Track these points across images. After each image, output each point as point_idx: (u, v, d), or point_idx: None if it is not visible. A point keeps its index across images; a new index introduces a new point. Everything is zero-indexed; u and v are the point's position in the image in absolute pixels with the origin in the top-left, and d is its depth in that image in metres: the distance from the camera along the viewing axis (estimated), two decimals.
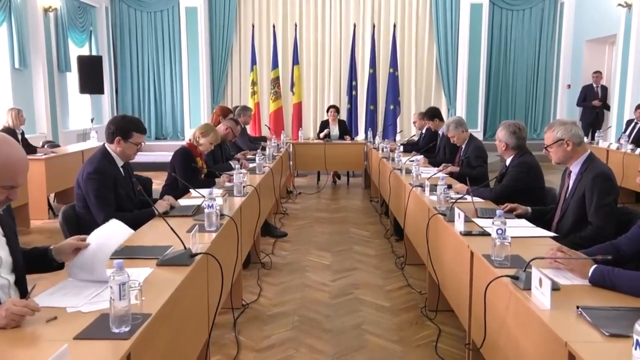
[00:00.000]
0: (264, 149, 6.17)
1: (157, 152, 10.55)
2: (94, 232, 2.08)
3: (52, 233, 5.62)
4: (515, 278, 2.02)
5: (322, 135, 8.24)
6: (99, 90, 10.10)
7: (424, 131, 6.87)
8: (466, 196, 3.58)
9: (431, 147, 6.19)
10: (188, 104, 11.42)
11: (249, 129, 9.21)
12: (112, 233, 2.07)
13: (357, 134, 10.17)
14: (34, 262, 2.05)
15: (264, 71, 11.50)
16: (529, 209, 3.22)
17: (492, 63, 11.69)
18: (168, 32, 11.58)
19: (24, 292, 1.95)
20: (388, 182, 5.42)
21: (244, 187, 3.84)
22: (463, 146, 5.10)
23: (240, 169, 3.90)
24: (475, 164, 4.86)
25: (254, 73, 10.17)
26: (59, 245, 2.07)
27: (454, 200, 3.25)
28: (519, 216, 3.15)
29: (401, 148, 6.22)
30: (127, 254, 2.32)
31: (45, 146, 7.18)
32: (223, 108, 6.35)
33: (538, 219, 3.09)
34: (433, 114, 6.49)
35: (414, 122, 7.34)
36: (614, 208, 2.77)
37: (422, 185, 4.06)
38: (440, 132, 6.67)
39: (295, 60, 10.07)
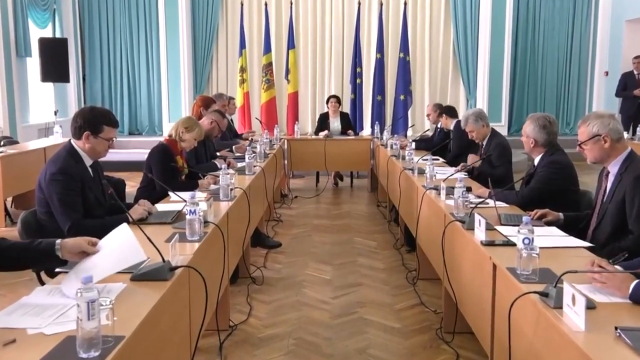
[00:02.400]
0: (251, 143, 6.18)
1: (131, 149, 10.55)
2: (108, 235, 2.14)
3: None
4: (544, 295, 2.03)
5: (322, 134, 8.25)
6: (64, 78, 10.10)
7: (439, 126, 6.89)
8: (488, 200, 3.59)
9: (447, 144, 6.21)
10: (167, 94, 11.43)
11: (236, 123, 9.24)
12: (128, 248, 2.16)
13: (362, 128, 10.18)
14: (36, 256, 2.09)
15: (255, 56, 11.50)
16: (561, 215, 3.22)
17: (517, 47, 11.71)
18: (144, 11, 11.59)
19: None
20: (398, 184, 5.43)
21: (231, 190, 3.85)
22: (484, 143, 5.11)
23: (227, 168, 3.90)
24: (497, 163, 4.88)
25: (243, 58, 10.18)
26: (66, 241, 2.17)
27: (474, 205, 3.26)
28: (549, 223, 3.16)
29: (413, 145, 6.23)
30: None
31: (2, 143, 7.18)
32: (204, 98, 6.35)
33: (571, 227, 3.10)
34: (442, 109, 6.56)
35: (428, 115, 7.35)
36: None
37: (437, 188, 4.07)
38: (452, 127, 6.70)
39: (291, 44, 10.08)
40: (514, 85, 11.82)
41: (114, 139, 3.17)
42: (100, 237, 2.22)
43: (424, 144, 6.82)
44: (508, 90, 11.51)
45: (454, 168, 5.28)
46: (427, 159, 4.61)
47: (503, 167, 4.86)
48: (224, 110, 7.09)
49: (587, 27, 11.70)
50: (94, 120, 3.09)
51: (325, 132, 8.27)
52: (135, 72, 11.86)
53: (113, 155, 6.68)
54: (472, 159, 5.00)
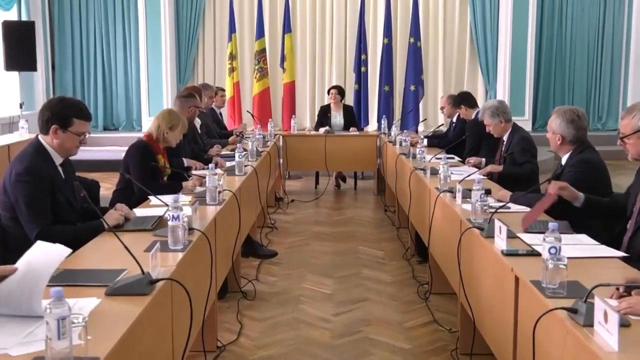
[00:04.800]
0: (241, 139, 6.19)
1: (106, 146, 10.55)
2: (23, 256, 2.08)
3: None
4: (573, 311, 2.03)
5: (322, 130, 8.26)
6: (31, 66, 10.10)
7: (454, 120, 6.89)
8: (510, 205, 3.59)
9: (464, 141, 6.21)
10: (146, 84, 11.44)
11: (225, 117, 9.24)
12: (46, 254, 2.08)
13: (367, 123, 10.19)
14: None
15: (246, 41, 11.51)
16: (582, 195, 3.26)
17: (543, 31, 11.72)
18: None
19: None
20: (408, 187, 5.43)
21: (219, 192, 3.85)
22: (505, 139, 5.12)
23: (215, 168, 3.91)
24: (521, 159, 4.88)
25: (233, 44, 10.19)
26: None
27: (493, 210, 3.26)
28: (565, 207, 3.16)
29: (425, 142, 6.23)
30: (67, 279, 2.32)
31: None
32: (189, 89, 6.32)
33: (592, 213, 3.14)
34: (460, 99, 6.50)
35: (442, 108, 7.36)
36: None
37: (452, 191, 4.07)
38: (454, 118, 6.69)
39: (287, 28, 10.09)
40: (539, 74, 11.83)
41: (87, 134, 3.17)
42: (71, 246, 2.22)
43: (437, 141, 6.82)
44: (532, 80, 11.51)
45: (472, 168, 5.29)
46: (440, 158, 4.61)
47: (528, 164, 4.87)
48: (210, 103, 7.10)
49: (621, 8, 11.70)
50: (62, 113, 3.10)
51: (326, 127, 8.27)
52: (111, 59, 11.86)
53: (86, 153, 6.69)
54: (494, 168, 4.98)
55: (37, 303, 1.97)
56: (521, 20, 11.24)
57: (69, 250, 2.13)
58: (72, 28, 11.72)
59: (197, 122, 6.02)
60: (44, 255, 2.08)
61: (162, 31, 11.24)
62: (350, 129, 8.38)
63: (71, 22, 11.70)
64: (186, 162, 5.06)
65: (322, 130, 8.29)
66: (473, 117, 6.17)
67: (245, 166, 5.13)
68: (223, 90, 8.17)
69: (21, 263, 2.06)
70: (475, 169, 4.94)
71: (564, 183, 3.26)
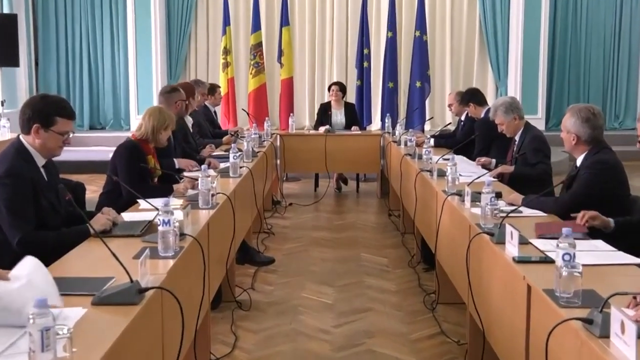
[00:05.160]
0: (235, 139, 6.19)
1: (92, 146, 10.55)
2: (19, 265, 2.11)
3: None
4: (588, 322, 2.03)
5: (322, 129, 8.26)
6: (13, 61, 10.11)
7: (462, 118, 6.90)
8: (522, 209, 3.59)
9: (473, 140, 6.21)
10: (135, 81, 11.43)
11: (220, 115, 9.24)
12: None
13: (370, 121, 10.19)
14: None
15: (241, 35, 11.51)
16: (612, 221, 3.23)
17: (556, 24, 11.73)
18: None
19: None
20: (413, 189, 5.44)
21: (212, 195, 3.85)
22: (517, 138, 5.12)
23: (208, 169, 3.91)
24: (534, 160, 4.89)
25: (227, 38, 10.19)
26: None
27: (504, 214, 3.27)
28: (594, 232, 3.16)
29: (431, 141, 6.23)
30: None
31: None
32: (181, 85, 6.31)
33: (625, 236, 3.10)
34: (468, 96, 6.49)
35: (449, 106, 7.34)
36: None
37: (460, 194, 4.08)
38: (462, 117, 6.68)
39: (285, 20, 10.10)
40: (553, 69, 11.84)
41: (70, 133, 3.17)
42: (55, 252, 2.23)
43: (445, 141, 6.82)
44: (545, 76, 11.51)
45: (477, 166, 5.29)
46: (448, 159, 4.62)
47: (541, 165, 4.87)
48: (203, 100, 7.10)
49: None
50: (44, 111, 3.10)
51: (326, 126, 8.28)
52: (98, 54, 11.87)
53: (70, 153, 6.69)
54: (505, 168, 4.98)
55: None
56: (534, 12, 11.24)
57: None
58: (57, 21, 11.73)
59: (189, 120, 6.03)
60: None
61: (152, 24, 11.25)
62: (352, 128, 8.39)
63: (56, 15, 11.71)
64: (177, 162, 5.06)
65: (322, 129, 8.30)
66: (482, 115, 6.17)
67: (240, 167, 5.13)
68: (219, 87, 8.17)
69: (18, 270, 2.08)
70: (486, 171, 4.94)
71: (594, 212, 3.22)
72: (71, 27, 11.76)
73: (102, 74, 11.90)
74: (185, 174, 4.66)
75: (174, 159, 5.03)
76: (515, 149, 5.13)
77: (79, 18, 11.73)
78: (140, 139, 4.33)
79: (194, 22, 11.68)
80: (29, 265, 2.17)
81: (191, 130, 6.08)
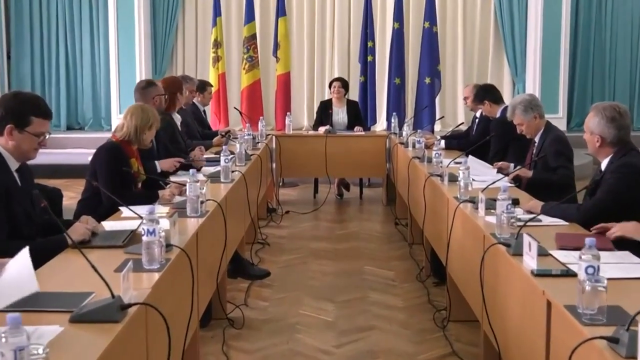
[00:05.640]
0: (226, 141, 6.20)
1: (69, 149, 10.56)
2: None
3: None
4: (613, 341, 2.04)
5: (322, 129, 8.27)
6: None
7: (478, 115, 6.85)
8: (541, 217, 3.59)
9: (488, 142, 6.20)
10: (117, 77, 11.43)
11: (209, 114, 9.25)
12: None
13: (374, 121, 10.20)
14: None
15: (233, 26, 11.53)
16: None
17: (579, 14, 11.75)
18: None
19: None
20: (422, 196, 5.44)
21: (202, 203, 3.86)
22: (536, 139, 5.13)
23: (197, 173, 3.91)
24: (555, 164, 4.89)
25: (218, 29, 10.20)
26: None
27: (522, 224, 3.27)
28: (620, 240, 3.16)
29: (442, 143, 6.22)
30: (25, 304, 2.33)
31: None
32: (170, 81, 6.31)
33: None
34: (483, 92, 6.46)
35: (465, 99, 7.28)
36: None
37: (473, 200, 4.08)
38: (477, 114, 6.67)
39: (281, 10, 10.11)
40: (575, 64, 11.85)
41: (47, 134, 3.18)
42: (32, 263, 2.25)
43: (457, 142, 6.82)
44: (567, 71, 11.52)
45: (492, 168, 5.29)
46: (460, 162, 4.62)
47: (563, 169, 4.87)
48: (192, 98, 7.09)
49: None
50: (18, 110, 3.11)
51: (327, 127, 8.28)
52: (76, 47, 11.89)
53: (46, 156, 6.69)
54: (524, 172, 4.98)
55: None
56: (554, 2, 11.24)
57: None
58: (31, 12, 11.75)
59: (177, 118, 6.04)
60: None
61: (135, 14, 11.25)
62: (355, 129, 8.39)
63: (30, 5, 11.74)
64: (159, 165, 4.99)
65: (322, 129, 8.31)
66: (498, 114, 6.17)
67: (232, 172, 5.13)
68: (211, 85, 8.17)
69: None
70: (502, 176, 4.94)
71: (630, 225, 3.20)
72: (46, 16, 11.77)
73: (81, 68, 11.91)
74: (172, 178, 4.67)
75: (155, 162, 4.97)
76: (534, 151, 5.13)
77: (55, 8, 11.75)
78: (122, 140, 4.33)
79: (181, 12, 11.70)
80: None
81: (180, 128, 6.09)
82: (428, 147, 6.48)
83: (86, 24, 11.76)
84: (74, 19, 11.77)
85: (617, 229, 2.92)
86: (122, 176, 4.17)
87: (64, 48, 11.86)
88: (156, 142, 5.10)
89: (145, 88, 5.37)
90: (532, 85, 11.30)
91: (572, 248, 3.02)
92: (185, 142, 6.12)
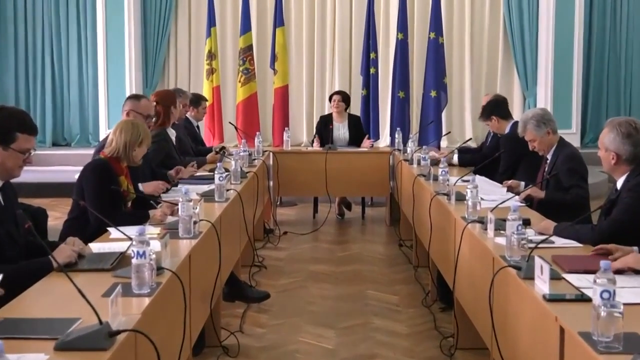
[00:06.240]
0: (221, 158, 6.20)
1: (55, 166, 10.57)
2: None
3: None
4: None
5: (315, 144, 8.28)
6: None
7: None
8: (553, 238, 3.59)
9: (498, 158, 6.19)
10: (105, 91, 11.46)
11: (203, 129, 9.26)
12: None
13: (377, 137, 10.21)
14: None
15: (229, 37, 11.58)
16: (636, 249, 3.23)
17: (592, 25, 11.81)
18: None
19: None
20: (428, 216, 5.44)
21: (195, 223, 3.86)
22: (549, 156, 5.13)
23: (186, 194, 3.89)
24: (568, 183, 4.89)
25: (212, 40, 10.24)
26: None
27: (533, 245, 3.27)
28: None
29: (455, 158, 6.23)
30: (8, 330, 2.32)
31: None
32: (164, 94, 6.30)
33: None
34: (490, 108, 6.43)
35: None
36: None
37: (482, 221, 4.08)
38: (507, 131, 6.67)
39: (279, 20, 10.16)
40: (589, 77, 11.89)
41: (32, 151, 3.19)
42: (12, 288, 2.24)
43: (470, 157, 6.77)
44: (580, 84, 11.57)
45: (502, 188, 5.29)
46: (468, 180, 4.62)
47: (576, 189, 4.87)
48: (185, 112, 7.11)
49: None
50: (2, 126, 3.12)
51: (324, 146, 8.29)
52: (63, 59, 11.93)
53: (31, 174, 6.69)
54: (535, 192, 4.98)
55: None
56: (566, 11, 11.30)
57: None
58: (16, 22, 11.81)
59: (172, 132, 6.05)
60: None
61: (125, 25, 11.30)
62: (365, 142, 8.39)
63: (14, 15, 11.80)
64: (143, 187, 4.88)
65: (316, 145, 8.33)
66: (507, 130, 6.19)
67: (227, 190, 5.14)
68: (205, 100, 8.19)
69: None
70: (512, 195, 4.94)
71: (630, 257, 3.20)
72: (31, 26, 11.83)
73: (67, 81, 11.95)
74: (163, 197, 4.67)
75: (139, 184, 4.86)
76: (547, 169, 5.13)
77: (40, 16, 11.80)
78: (110, 156, 4.33)
79: (173, 22, 11.76)
80: None
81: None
82: (436, 164, 6.42)
83: (73, 34, 11.81)
84: (60, 29, 11.82)
85: (618, 263, 2.96)
86: (110, 195, 4.16)
87: (50, 59, 11.90)
88: (142, 167, 5.02)
89: (126, 101, 5.32)
90: (544, 99, 11.34)
91: (583, 271, 3.03)
92: (181, 158, 6.13)
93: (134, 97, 5.37)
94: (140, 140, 4.36)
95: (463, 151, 7.16)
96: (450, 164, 6.55)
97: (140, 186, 4.88)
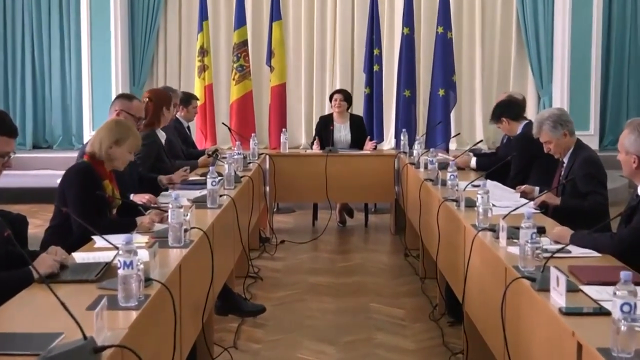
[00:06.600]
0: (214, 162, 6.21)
1: (36, 170, 10.57)
2: None
3: None
4: None
5: (315, 146, 8.29)
6: None
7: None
8: (570, 247, 3.59)
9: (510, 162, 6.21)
10: (90, 90, 11.45)
11: (194, 130, 9.27)
12: None
13: (381, 139, 10.22)
14: None
15: (222, 32, 11.59)
16: None
17: (612, 18, 11.82)
18: None
19: None
20: (436, 223, 5.44)
21: (185, 231, 3.86)
22: (565, 160, 5.14)
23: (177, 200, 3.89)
24: (586, 188, 4.89)
25: (204, 35, 10.24)
26: None
27: (549, 255, 3.27)
28: None
29: (473, 161, 6.26)
30: None
31: None
32: (158, 93, 6.30)
33: None
34: (500, 109, 6.40)
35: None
36: None
37: (494, 229, 4.08)
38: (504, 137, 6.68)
39: (276, 14, 10.16)
40: (608, 75, 11.90)
41: (11, 154, 3.19)
42: None
43: (488, 160, 6.67)
44: (599, 82, 11.57)
45: (515, 193, 5.30)
46: (478, 185, 4.63)
47: (595, 195, 4.87)
48: (175, 112, 7.10)
49: None
50: None
51: (324, 149, 8.30)
52: (44, 56, 11.94)
53: (10, 178, 6.71)
54: (551, 199, 4.97)
55: None
56: (584, 4, 11.30)
57: None
58: None
59: (162, 135, 6.05)
60: None
61: (111, 19, 11.30)
62: (368, 144, 8.40)
63: None
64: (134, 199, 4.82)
65: (315, 147, 8.34)
66: (519, 131, 6.19)
67: (220, 196, 5.15)
68: (196, 98, 8.19)
69: None
70: (526, 201, 4.94)
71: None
72: (11, 22, 11.85)
73: (49, 80, 11.95)
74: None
75: (131, 195, 4.83)
76: (563, 173, 5.13)
77: (20, 10, 11.82)
78: (94, 159, 4.31)
79: (163, 16, 11.77)
80: None
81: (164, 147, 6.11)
82: (444, 167, 6.38)
83: (55, 27, 11.82)
84: (41, 22, 11.83)
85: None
86: (95, 201, 4.17)
87: (30, 55, 11.91)
88: (130, 171, 4.98)
89: (115, 99, 5.33)
90: (560, 99, 11.33)
91: (601, 282, 3.03)
92: (171, 161, 6.14)
93: (126, 97, 5.37)
94: (117, 139, 4.29)
95: (481, 155, 7.14)
96: (462, 169, 6.56)
97: (132, 197, 4.86)
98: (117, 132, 4.34)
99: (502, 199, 4.99)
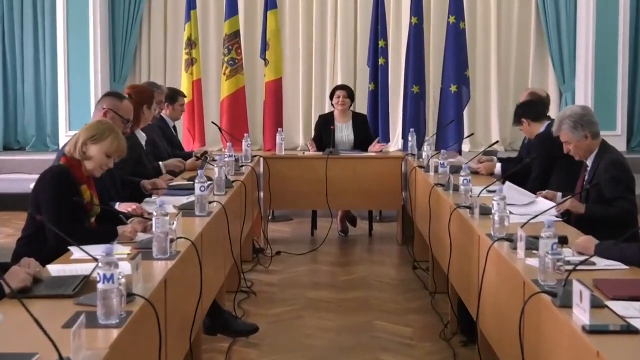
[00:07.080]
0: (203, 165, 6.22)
1: (7, 174, 10.57)
2: None
3: None
4: None
5: (312, 148, 8.30)
6: None
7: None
8: (595, 259, 3.60)
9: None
10: (66, 87, 11.43)
11: (181, 130, 9.28)
12: None
13: (387, 139, 10.21)
14: None
15: (212, 22, 11.59)
16: None
17: None
18: None
19: None
20: (448, 233, 5.45)
21: (172, 242, 3.86)
22: (589, 163, 5.14)
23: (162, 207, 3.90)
24: (612, 194, 4.90)
25: (192, 25, 10.24)
26: None
27: (572, 268, 3.27)
28: None
29: (499, 167, 6.30)
30: None
31: None
32: (140, 89, 6.33)
33: None
34: (522, 110, 6.43)
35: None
36: None
37: (511, 239, 4.08)
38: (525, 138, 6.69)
39: (271, 2, 10.17)
40: (636, 70, 11.90)
41: None
42: None
43: (514, 166, 6.59)
44: (627, 78, 11.55)
45: (537, 201, 5.30)
46: (495, 191, 4.63)
47: (622, 201, 4.87)
48: (159, 110, 7.11)
49: None
50: None
51: (322, 152, 8.31)
52: (16, 48, 11.94)
53: None
54: (574, 206, 4.96)
55: None
56: None
57: None
58: None
59: (142, 136, 6.06)
60: None
61: (90, 9, 11.26)
62: (374, 146, 8.41)
63: None
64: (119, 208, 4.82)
65: (313, 150, 8.35)
66: (542, 131, 6.20)
67: (210, 203, 5.15)
68: (183, 95, 8.19)
69: None
70: (547, 207, 4.93)
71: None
72: None
73: (22, 77, 11.94)
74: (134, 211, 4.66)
75: (117, 204, 4.84)
76: (587, 177, 5.13)
77: None
78: (72, 162, 4.30)
79: (146, 5, 11.76)
80: None
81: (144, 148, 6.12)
82: (456, 171, 6.36)
83: (29, 17, 11.80)
84: (13, 12, 11.82)
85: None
86: (72, 208, 4.17)
87: (1, 51, 11.90)
88: (111, 176, 4.97)
89: (103, 97, 5.34)
90: (583, 96, 11.31)
91: (629, 298, 3.03)
92: (153, 165, 6.14)
93: (116, 96, 5.40)
94: (94, 135, 4.27)
95: (506, 160, 7.11)
96: (478, 174, 6.58)
97: (117, 206, 4.84)
98: (97, 129, 4.34)
99: (517, 201, 4.98)
